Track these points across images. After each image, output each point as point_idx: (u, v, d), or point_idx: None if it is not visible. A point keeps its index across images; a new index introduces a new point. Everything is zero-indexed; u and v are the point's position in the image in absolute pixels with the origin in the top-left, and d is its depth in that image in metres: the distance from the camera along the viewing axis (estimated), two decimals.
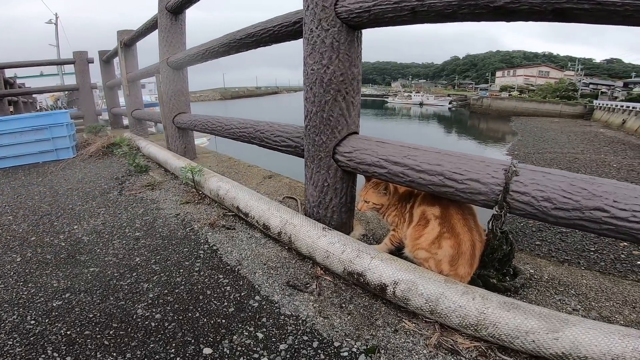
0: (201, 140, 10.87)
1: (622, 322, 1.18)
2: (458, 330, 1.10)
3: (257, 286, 1.45)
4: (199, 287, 1.45)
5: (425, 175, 1.30)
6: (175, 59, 3.22)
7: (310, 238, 1.50)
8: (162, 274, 1.52)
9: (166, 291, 1.40)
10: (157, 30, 3.46)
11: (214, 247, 1.79)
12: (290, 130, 1.94)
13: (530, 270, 1.55)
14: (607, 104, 29.28)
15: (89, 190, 2.89)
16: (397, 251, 1.59)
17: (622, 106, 25.04)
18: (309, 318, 1.26)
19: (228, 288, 1.44)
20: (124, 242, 1.90)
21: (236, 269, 1.58)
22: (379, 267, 1.26)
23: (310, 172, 1.69)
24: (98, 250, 1.80)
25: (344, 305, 1.32)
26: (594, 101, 34.28)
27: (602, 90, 43.14)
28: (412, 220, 1.44)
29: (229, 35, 2.41)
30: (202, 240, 1.87)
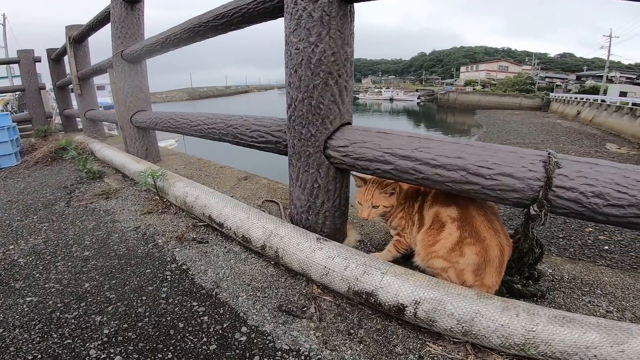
0: (168, 142, 10.23)
1: None
2: (496, 349, 0.93)
3: (242, 314, 1.18)
4: (169, 318, 1.16)
5: (443, 171, 1.07)
6: (131, 51, 2.83)
7: (303, 252, 1.23)
8: (119, 304, 1.26)
9: (126, 325, 1.15)
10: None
11: (184, 267, 1.48)
12: (268, 123, 1.66)
13: (549, 270, 1.40)
14: (562, 96, 31.10)
15: (30, 203, 2.45)
16: (404, 259, 1.37)
17: (576, 98, 26.65)
18: (313, 352, 1.01)
19: (206, 318, 1.16)
20: (69, 264, 1.55)
21: (213, 293, 1.29)
22: (393, 284, 1.03)
23: (297, 171, 1.42)
24: (37, 275, 1.46)
25: (353, 332, 1.07)
26: (550, 94, 36.34)
27: (557, 83, 45.88)
28: (422, 223, 1.21)
29: (193, 19, 2.07)
30: (169, 258, 1.56)
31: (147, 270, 1.47)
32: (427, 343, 1.01)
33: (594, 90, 31.96)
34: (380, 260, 1.14)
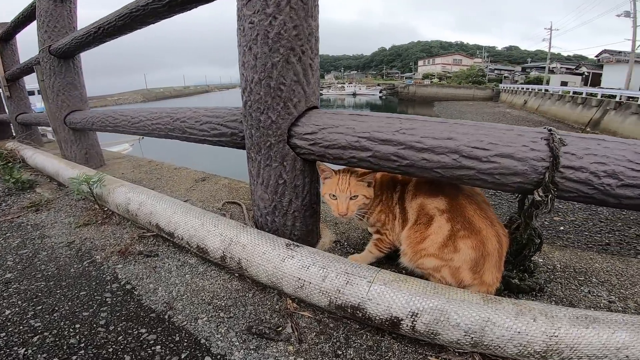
0: (122, 147, 9.46)
1: None
2: (510, 358, 0.79)
3: (203, 340, 0.97)
4: (110, 350, 0.94)
5: (432, 155, 0.91)
6: (60, 45, 2.44)
7: (271, 262, 1.03)
8: (46, 333, 1.05)
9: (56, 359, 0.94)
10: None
11: (128, 286, 1.24)
12: (222, 113, 1.42)
13: (540, 260, 1.31)
14: (510, 87, 33.07)
15: None
16: (387, 259, 1.20)
17: (523, 88, 28.43)
18: None
19: (158, 348, 0.95)
20: None
21: (166, 316, 1.07)
22: (383, 295, 0.87)
23: (257, 166, 1.20)
24: None
25: (340, 352, 0.90)
26: (499, 85, 38.51)
27: (505, 75, 48.83)
28: (405, 217, 1.05)
29: (130, 3, 1.77)
30: (109, 277, 1.30)
31: (82, 293, 1.22)
32: (428, 357, 0.86)
33: (538, 81, 34.32)
34: (364, 266, 0.96)
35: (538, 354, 0.76)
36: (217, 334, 0.98)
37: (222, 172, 2.71)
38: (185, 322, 1.04)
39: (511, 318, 0.78)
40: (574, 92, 18.64)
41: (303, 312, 1.02)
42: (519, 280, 1.04)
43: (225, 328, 1.00)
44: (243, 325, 1.00)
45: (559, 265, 1.27)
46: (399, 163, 0.94)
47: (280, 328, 0.97)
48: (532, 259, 1.05)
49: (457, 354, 0.84)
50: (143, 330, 1.02)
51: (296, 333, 0.94)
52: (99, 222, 1.81)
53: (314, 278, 0.95)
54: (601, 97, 15.63)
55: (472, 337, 0.79)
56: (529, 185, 0.84)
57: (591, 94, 16.79)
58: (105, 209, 1.90)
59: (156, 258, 1.40)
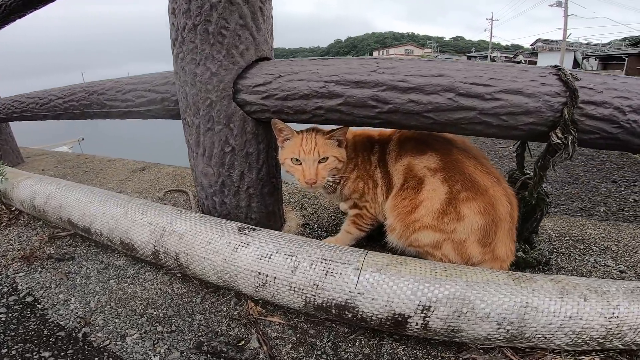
0: (61, 149, 8.47)
1: None
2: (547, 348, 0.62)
3: None
4: None
5: (420, 96, 0.70)
6: None
7: (219, 254, 0.76)
8: None
9: None
10: None
11: (29, 298, 0.95)
12: (150, 78, 1.14)
13: None
14: None
15: None
16: (368, 240, 0.99)
17: None
18: None
19: None
20: None
21: (80, 334, 0.80)
22: (379, 285, 0.64)
23: (196, 133, 0.93)
24: None
25: None
26: None
27: None
28: (390, 183, 0.85)
29: None
30: (6, 289, 1.01)
31: None
32: None
33: None
34: (346, 248, 0.74)
35: (595, 340, 0.59)
36: (154, 356, 0.73)
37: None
38: (107, 342, 0.78)
39: (556, 299, 0.60)
40: None
41: (271, 317, 0.78)
42: (523, 252, 0.89)
43: (166, 347, 0.75)
44: (190, 341, 0.75)
45: (553, 234, 1.16)
46: (379, 109, 0.73)
47: (243, 342, 0.73)
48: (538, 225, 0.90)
49: (481, 351, 0.65)
50: (46, 354, 0.76)
51: (265, 347, 0.70)
52: (4, 224, 1.43)
53: (280, 271, 0.70)
54: None
55: (509, 330, 0.60)
56: (543, 126, 0.68)
57: None
58: (13, 208, 1.51)
59: (71, 262, 1.08)
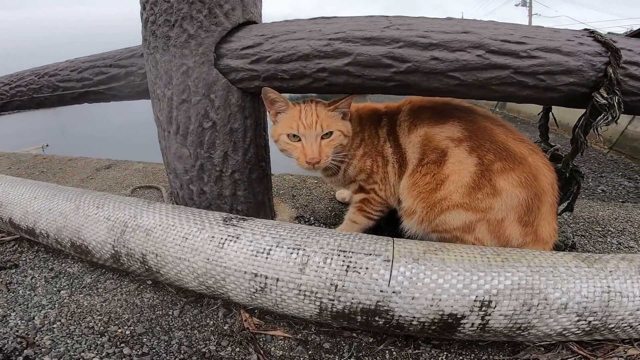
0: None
1: None
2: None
3: None
4: None
5: (445, 53, 0.59)
6: None
7: (200, 252, 0.59)
8: None
9: None
10: None
11: None
12: (112, 53, 0.97)
13: None
14: None
15: None
16: (375, 231, 0.86)
17: None
18: None
19: None
20: None
21: (20, 358, 0.63)
22: (420, 279, 0.50)
23: (168, 107, 0.76)
24: None
25: None
26: None
27: None
28: (403, 159, 0.72)
29: None
30: None
31: None
32: None
33: None
34: (365, 236, 0.59)
35: None
36: None
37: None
38: None
39: (638, 282, 0.48)
40: None
41: (272, 330, 0.62)
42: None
43: None
44: None
45: (565, 216, 1.08)
46: (395, 69, 0.61)
47: None
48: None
49: (542, 349, 0.54)
50: None
51: None
52: None
53: (283, 270, 0.54)
54: None
55: (590, 322, 0.48)
56: (584, 87, 0.59)
57: None
58: None
59: (14, 270, 0.88)
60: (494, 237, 0.62)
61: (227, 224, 0.61)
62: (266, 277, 0.54)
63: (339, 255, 0.53)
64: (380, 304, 0.50)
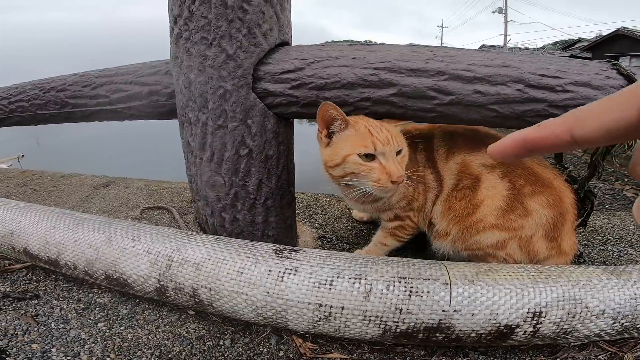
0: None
1: None
2: None
3: None
4: None
5: (487, 87, 0.62)
6: None
7: (258, 285, 0.59)
8: None
9: None
10: None
11: None
12: (131, 69, 0.94)
13: None
14: None
15: None
16: (398, 251, 0.87)
17: None
18: None
19: None
20: None
21: None
22: (477, 299, 0.55)
23: (202, 132, 0.75)
24: None
25: None
26: None
27: None
28: (441, 185, 0.74)
29: None
30: None
31: None
32: None
33: None
34: (417, 262, 0.62)
35: None
36: None
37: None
38: None
39: None
40: None
41: (329, 354, 0.62)
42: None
43: None
44: None
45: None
46: (438, 101, 0.63)
47: None
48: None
49: (576, 348, 0.62)
50: None
51: None
52: None
53: (347, 299, 0.56)
54: None
55: (623, 324, 0.57)
56: None
57: None
58: None
59: (36, 301, 0.84)
60: (523, 251, 0.68)
61: (281, 257, 0.61)
62: (331, 307, 0.56)
63: (399, 282, 0.56)
64: (442, 321, 0.55)
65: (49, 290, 0.87)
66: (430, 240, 0.78)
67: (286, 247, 0.65)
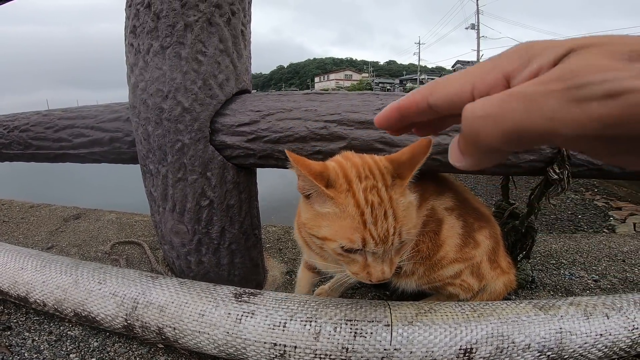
0: None
1: None
2: None
3: None
4: None
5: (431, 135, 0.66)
6: None
7: (219, 326, 0.63)
8: None
9: None
10: None
11: None
12: (92, 112, 0.95)
13: None
14: None
15: None
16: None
17: None
18: None
19: None
20: None
21: None
22: (415, 338, 0.61)
23: (162, 184, 0.77)
24: None
25: None
26: None
27: (387, 87, 55.11)
28: None
29: None
30: None
31: None
32: None
33: None
34: (365, 303, 0.66)
35: (623, 350, 0.66)
36: None
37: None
38: None
39: (583, 322, 0.64)
40: None
41: None
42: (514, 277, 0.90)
43: None
44: None
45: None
46: (386, 153, 0.67)
47: None
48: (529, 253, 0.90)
49: None
50: None
51: None
52: None
53: (299, 339, 0.61)
54: None
55: (549, 355, 0.63)
56: (541, 162, 0.69)
57: None
58: None
59: (8, 332, 0.83)
60: (474, 276, 0.76)
61: (240, 301, 0.65)
62: (285, 346, 0.61)
63: (346, 324, 0.62)
64: (384, 359, 0.60)
65: (20, 323, 0.87)
66: (391, 280, 0.81)
67: (246, 290, 0.68)
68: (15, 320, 0.88)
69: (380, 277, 0.50)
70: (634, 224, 2.95)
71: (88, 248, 1.35)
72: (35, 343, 0.79)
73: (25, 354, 0.75)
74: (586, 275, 1.05)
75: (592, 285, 1.00)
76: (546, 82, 0.18)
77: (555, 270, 1.09)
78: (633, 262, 1.15)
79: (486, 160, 0.22)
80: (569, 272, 1.07)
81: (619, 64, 0.16)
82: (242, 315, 0.63)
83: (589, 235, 1.45)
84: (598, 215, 3.64)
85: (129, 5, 0.73)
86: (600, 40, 0.18)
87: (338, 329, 0.61)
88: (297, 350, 0.60)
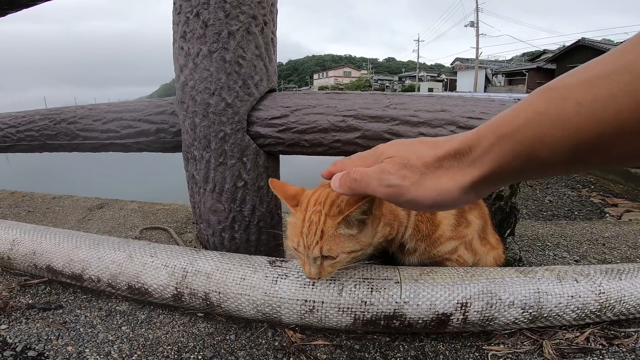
0: None
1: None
2: (564, 325, 0.80)
3: None
4: None
5: (428, 129, 0.80)
6: None
7: (258, 288, 0.77)
8: None
9: None
10: None
11: (31, 352, 0.80)
12: (139, 106, 1.08)
13: None
14: None
15: None
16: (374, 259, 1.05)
17: None
18: None
19: None
20: None
21: None
22: (421, 294, 0.74)
23: (205, 167, 0.91)
24: None
25: None
26: None
27: (386, 84, 55.14)
28: (409, 214, 0.92)
29: None
30: None
31: None
32: (483, 348, 0.77)
33: (412, 89, 39.55)
34: (377, 267, 0.81)
35: (594, 313, 0.76)
36: None
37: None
38: None
39: (557, 284, 0.75)
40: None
41: (315, 341, 0.79)
42: (502, 252, 1.04)
43: None
44: None
45: (510, 238, 1.34)
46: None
47: None
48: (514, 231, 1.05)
49: (506, 335, 0.79)
50: None
51: None
52: None
53: (327, 295, 0.74)
54: None
55: (531, 312, 0.75)
56: None
57: None
58: None
59: (60, 310, 0.96)
60: (469, 251, 0.88)
61: (274, 266, 0.79)
62: (314, 302, 0.75)
63: (364, 281, 0.75)
64: (396, 311, 0.73)
65: (69, 301, 0.99)
66: (398, 257, 0.95)
67: (277, 258, 0.82)
68: (65, 299, 0.99)
69: (308, 274, 0.66)
70: (630, 221, 3.11)
71: (118, 234, 1.48)
72: (87, 319, 0.90)
73: (81, 329, 0.86)
74: (568, 256, 1.17)
75: (573, 264, 1.12)
76: (378, 168, 0.43)
77: (540, 251, 1.21)
78: (612, 245, 1.28)
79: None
80: (553, 253, 1.19)
81: (395, 169, 0.40)
82: (277, 277, 0.77)
83: (573, 222, 1.59)
84: (594, 212, 3.78)
85: (177, 13, 0.86)
86: (397, 153, 0.42)
87: (358, 286, 0.75)
88: (324, 304, 0.74)
